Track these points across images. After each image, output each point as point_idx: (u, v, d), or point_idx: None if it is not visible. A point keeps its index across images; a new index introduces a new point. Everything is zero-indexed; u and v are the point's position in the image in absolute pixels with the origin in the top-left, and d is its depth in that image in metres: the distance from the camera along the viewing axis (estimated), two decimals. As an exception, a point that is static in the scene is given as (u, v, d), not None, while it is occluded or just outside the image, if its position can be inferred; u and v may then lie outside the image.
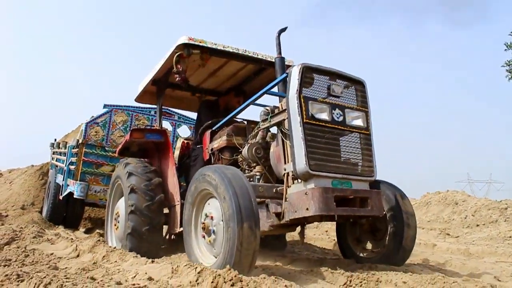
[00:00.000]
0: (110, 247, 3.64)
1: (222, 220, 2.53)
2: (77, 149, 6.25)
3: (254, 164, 3.22)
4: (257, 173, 3.18)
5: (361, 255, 3.30)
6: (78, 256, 3.63)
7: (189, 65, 3.71)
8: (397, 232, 3.02)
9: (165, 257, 3.54)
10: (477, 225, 7.68)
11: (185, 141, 4.59)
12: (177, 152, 4.45)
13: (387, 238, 3.09)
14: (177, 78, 3.58)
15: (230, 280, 2.02)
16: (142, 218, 3.61)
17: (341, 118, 2.85)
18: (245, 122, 3.71)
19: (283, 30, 3.30)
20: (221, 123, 3.76)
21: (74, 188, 6.08)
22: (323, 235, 6.80)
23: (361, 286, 2.43)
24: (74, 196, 6.12)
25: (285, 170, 2.88)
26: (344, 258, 3.47)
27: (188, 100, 5.06)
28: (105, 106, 6.68)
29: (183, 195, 3.58)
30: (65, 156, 6.88)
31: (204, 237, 2.79)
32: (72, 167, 6.28)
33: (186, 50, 3.56)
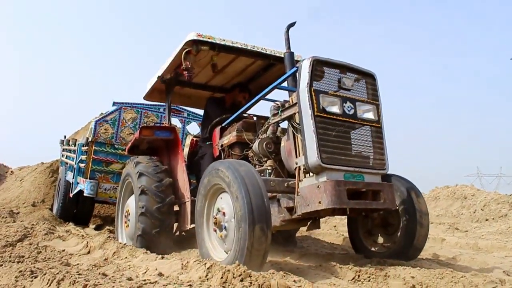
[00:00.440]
0: (120, 243, 3.66)
1: (234, 218, 2.52)
2: (86, 147, 6.26)
3: (265, 159, 3.22)
4: (268, 167, 3.17)
5: (372, 249, 3.28)
6: (89, 252, 3.66)
7: (198, 63, 3.68)
8: (409, 230, 3.00)
9: (174, 253, 3.54)
10: (486, 220, 7.61)
11: (194, 139, 4.58)
12: (186, 149, 4.44)
13: (398, 234, 3.08)
14: (186, 75, 3.57)
15: (239, 276, 2.02)
16: (152, 220, 3.60)
17: (352, 111, 2.83)
18: (255, 117, 3.70)
19: (292, 25, 3.28)
20: (230, 119, 3.75)
21: (84, 186, 6.10)
22: (331, 230, 6.80)
23: (369, 281, 2.43)
24: (84, 194, 6.14)
25: (296, 164, 2.87)
26: (354, 252, 3.46)
27: (197, 98, 5.05)
28: (114, 103, 6.68)
29: (193, 192, 3.57)
30: (74, 153, 6.90)
31: (215, 231, 2.79)
32: (82, 165, 6.30)
33: (194, 46, 3.54)
